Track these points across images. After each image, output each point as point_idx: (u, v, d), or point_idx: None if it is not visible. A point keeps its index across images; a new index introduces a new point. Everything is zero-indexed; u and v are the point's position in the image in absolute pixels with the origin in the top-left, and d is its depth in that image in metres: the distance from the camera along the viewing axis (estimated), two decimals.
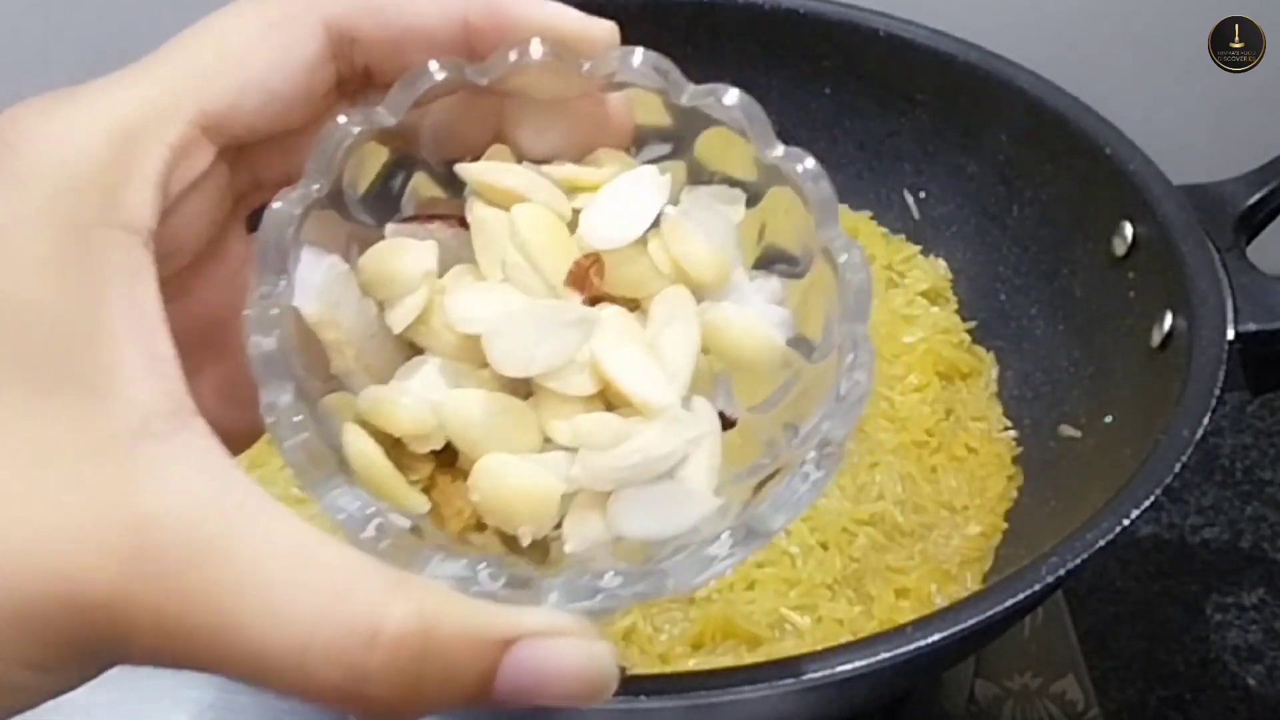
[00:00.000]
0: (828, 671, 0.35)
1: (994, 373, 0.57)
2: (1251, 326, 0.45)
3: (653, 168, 0.28)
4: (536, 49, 0.26)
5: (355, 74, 0.27)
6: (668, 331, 0.26)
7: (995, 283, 0.59)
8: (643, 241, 0.27)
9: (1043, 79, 0.56)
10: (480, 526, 0.26)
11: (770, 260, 0.29)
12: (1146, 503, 0.39)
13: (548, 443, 0.26)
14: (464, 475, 0.25)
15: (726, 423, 0.27)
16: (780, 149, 0.27)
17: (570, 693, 0.23)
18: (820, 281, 0.28)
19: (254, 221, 0.27)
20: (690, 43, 0.62)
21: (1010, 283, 0.58)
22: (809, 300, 0.28)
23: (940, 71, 0.58)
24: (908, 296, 0.59)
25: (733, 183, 0.28)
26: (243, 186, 0.28)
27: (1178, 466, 0.40)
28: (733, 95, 0.27)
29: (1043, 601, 0.48)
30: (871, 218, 0.63)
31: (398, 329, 0.26)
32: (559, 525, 0.26)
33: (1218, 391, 0.43)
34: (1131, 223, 0.51)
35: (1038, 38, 0.60)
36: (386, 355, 0.26)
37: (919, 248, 0.61)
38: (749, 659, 0.46)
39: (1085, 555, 0.38)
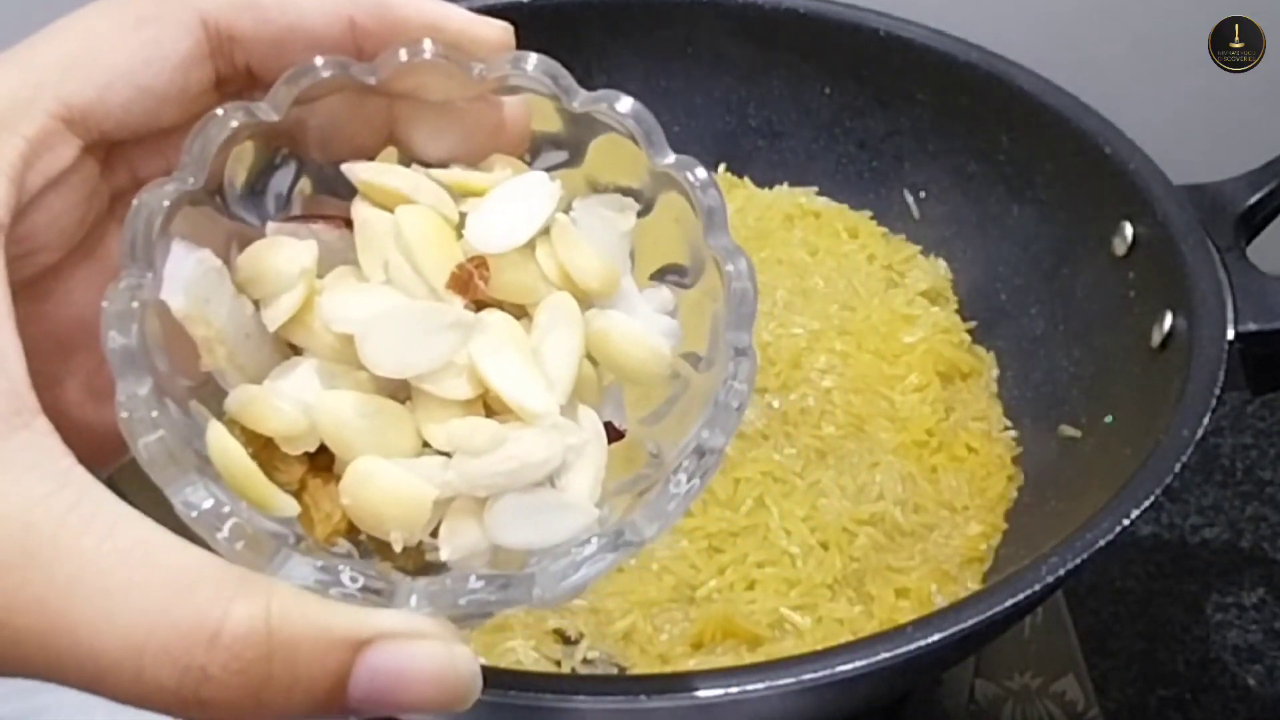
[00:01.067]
0: (828, 671, 0.35)
1: (994, 373, 0.57)
2: (1251, 326, 0.45)
3: (542, 173, 0.27)
4: (427, 49, 0.26)
5: (237, 73, 0.26)
6: (550, 338, 0.26)
7: (995, 283, 0.59)
8: (531, 247, 0.26)
9: (1043, 79, 0.56)
10: (353, 532, 0.25)
11: (661, 271, 0.29)
12: (1146, 503, 0.39)
13: (426, 448, 0.25)
14: (337, 479, 0.25)
15: (615, 434, 0.27)
16: (671, 157, 0.27)
17: (428, 697, 0.22)
18: (709, 291, 0.27)
19: None
20: (690, 43, 0.63)
21: (1010, 283, 0.58)
22: (699, 310, 0.28)
23: (940, 71, 0.58)
24: (908, 296, 0.59)
25: (625, 191, 0.28)
26: (121, 184, 0.27)
27: (1178, 466, 0.40)
28: (626, 102, 0.27)
29: (1043, 601, 0.48)
30: (871, 218, 0.63)
31: (272, 327, 0.25)
32: (437, 533, 0.25)
33: (1218, 391, 0.43)
34: (1131, 223, 0.51)
35: (1038, 38, 0.60)
36: (263, 356, 0.26)
37: (919, 248, 0.61)
38: (749, 659, 0.46)
39: (1085, 555, 0.38)
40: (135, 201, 0.24)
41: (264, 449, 0.25)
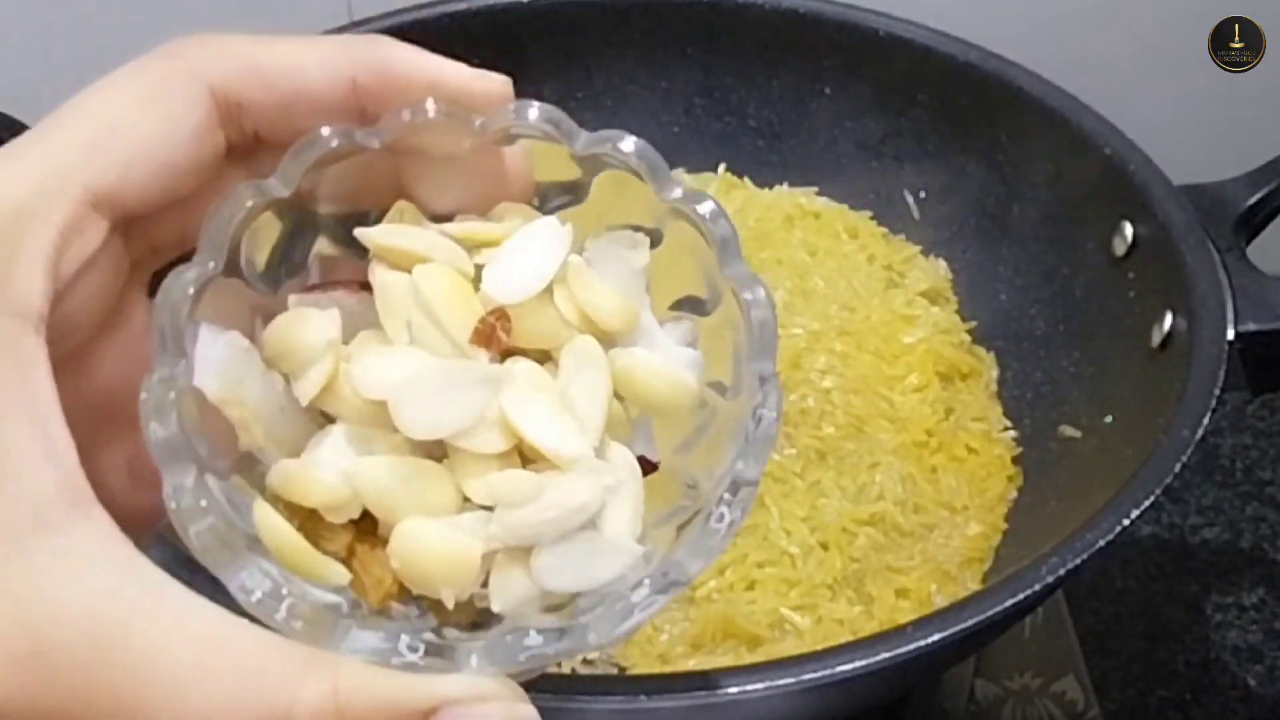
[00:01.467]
0: (828, 671, 0.35)
1: (994, 373, 0.57)
2: (1251, 326, 0.45)
3: (553, 219, 0.27)
4: (430, 108, 0.26)
5: (245, 139, 0.27)
6: (577, 381, 0.26)
7: (995, 283, 0.59)
8: (549, 293, 0.27)
9: (1043, 79, 0.56)
10: (405, 593, 0.25)
11: (678, 303, 0.29)
12: (1147, 503, 0.39)
13: (467, 502, 0.25)
14: (384, 543, 0.25)
15: (648, 467, 0.27)
16: (679, 190, 0.27)
17: None
18: (728, 319, 0.28)
19: (155, 287, 0.26)
20: (690, 43, 0.63)
21: (1010, 283, 0.58)
22: (718, 337, 0.28)
23: (940, 71, 0.58)
24: (908, 296, 0.59)
25: (635, 228, 0.28)
26: (139, 253, 0.27)
27: (1178, 467, 0.40)
28: (629, 141, 0.27)
29: (1043, 601, 0.48)
30: (871, 218, 0.63)
31: (305, 401, 0.25)
32: (486, 583, 0.25)
33: (1218, 391, 0.43)
34: (1131, 223, 0.51)
35: (1038, 38, 0.60)
36: (298, 428, 0.26)
37: (919, 248, 0.61)
38: (749, 659, 0.46)
39: (1085, 555, 0.38)
40: (160, 292, 0.24)
41: (309, 521, 0.25)
